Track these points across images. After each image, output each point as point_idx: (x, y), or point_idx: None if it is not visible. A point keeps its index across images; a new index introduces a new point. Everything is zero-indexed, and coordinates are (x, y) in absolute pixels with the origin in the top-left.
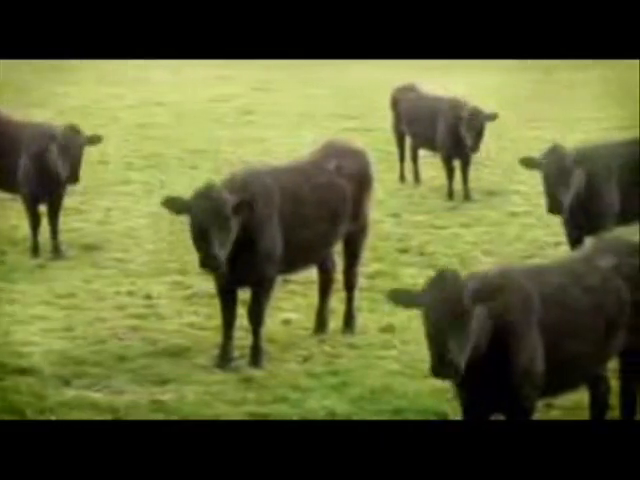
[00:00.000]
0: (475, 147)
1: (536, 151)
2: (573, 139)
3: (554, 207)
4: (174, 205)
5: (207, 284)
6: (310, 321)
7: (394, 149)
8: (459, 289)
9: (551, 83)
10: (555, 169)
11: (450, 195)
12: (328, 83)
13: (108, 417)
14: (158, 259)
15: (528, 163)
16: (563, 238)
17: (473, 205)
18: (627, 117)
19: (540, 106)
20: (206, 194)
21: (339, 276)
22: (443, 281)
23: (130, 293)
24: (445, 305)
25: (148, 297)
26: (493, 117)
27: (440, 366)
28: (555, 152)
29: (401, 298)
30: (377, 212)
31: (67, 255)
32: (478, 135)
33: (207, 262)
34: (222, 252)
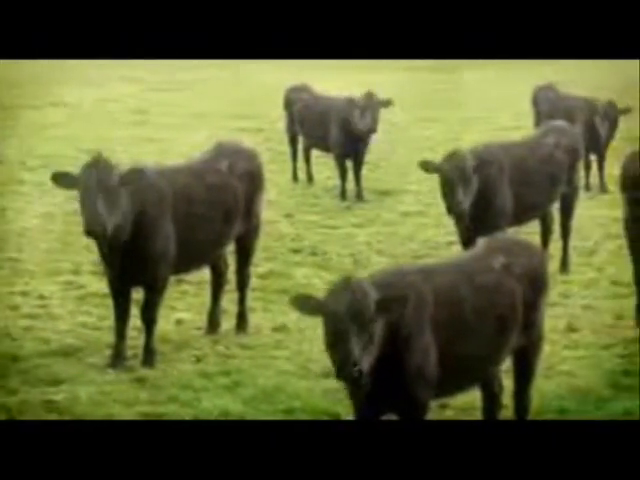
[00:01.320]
0: (372, 128)
1: (429, 151)
2: (466, 139)
3: (455, 209)
4: (63, 180)
5: (100, 284)
6: (203, 321)
7: (287, 149)
8: (364, 296)
9: (444, 83)
10: (455, 173)
11: (343, 195)
12: (222, 83)
13: (1, 417)
14: (51, 259)
15: (427, 167)
16: (456, 238)
17: (366, 205)
18: (520, 117)
19: (433, 106)
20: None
21: (232, 276)
22: (347, 287)
23: (24, 293)
24: (350, 311)
25: (41, 297)
26: (388, 103)
27: (345, 370)
28: (455, 156)
29: (304, 305)
30: (270, 212)
31: None
32: (374, 124)
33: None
34: (111, 218)
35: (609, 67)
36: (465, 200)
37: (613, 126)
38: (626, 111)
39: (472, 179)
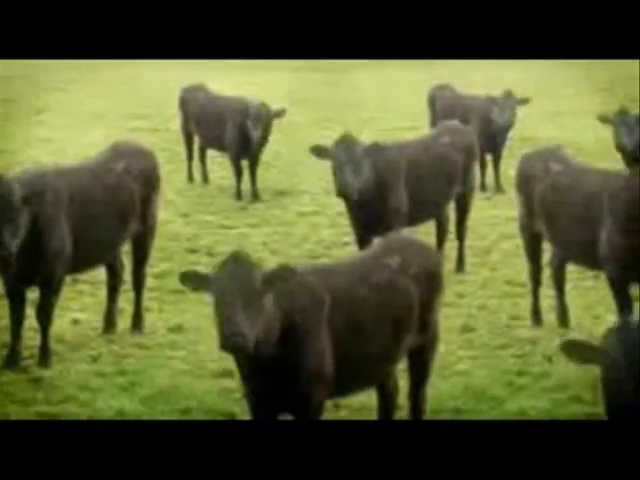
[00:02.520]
0: (262, 145)
1: None
2: (363, 139)
3: (344, 190)
4: None
5: None
6: (99, 321)
7: (183, 149)
8: (251, 269)
9: (340, 84)
10: (345, 156)
11: (238, 195)
12: (119, 83)
13: None
14: None
15: (318, 152)
16: (351, 238)
17: (261, 205)
18: (416, 117)
19: (329, 106)
20: None
21: (128, 276)
22: (236, 259)
23: None
24: (237, 281)
25: None
26: (280, 113)
27: (230, 337)
28: (345, 140)
29: (193, 280)
30: (166, 212)
31: None
32: (266, 131)
33: None
34: (13, 241)
35: (509, 66)
36: (354, 182)
37: (511, 115)
38: (525, 101)
39: (363, 164)
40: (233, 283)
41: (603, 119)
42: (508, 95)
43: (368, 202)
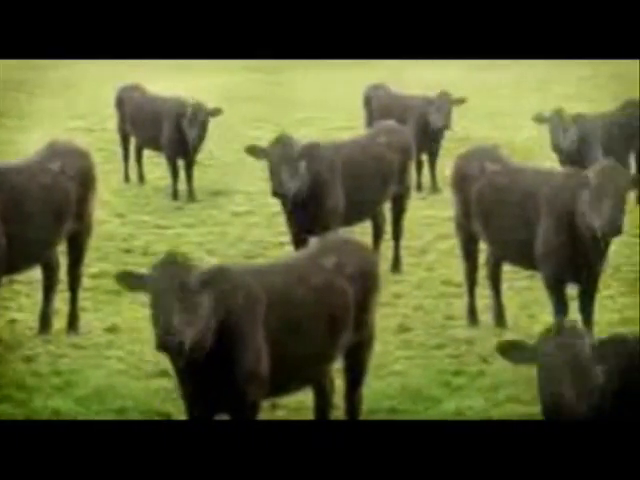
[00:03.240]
0: (199, 145)
1: None
2: (299, 139)
3: (280, 190)
4: None
5: None
6: (35, 321)
7: (119, 149)
8: (187, 269)
9: (276, 84)
10: (281, 156)
11: (174, 195)
12: (56, 83)
13: None
14: None
15: (254, 152)
16: (287, 238)
17: (197, 205)
18: (352, 117)
19: (265, 106)
20: None
21: (64, 276)
22: (172, 260)
23: None
24: (173, 281)
25: None
26: (216, 112)
27: (166, 338)
28: (281, 140)
29: (129, 280)
30: (102, 212)
31: None
32: (202, 131)
33: None
34: None
35: (445, 67)
36: (290, 182)
37: (447, 116)
38: (460, 101)
39: (299, 164)
40: (169, 283)
41: (539, 119)
42: (444, 96)
43: (304, 202)
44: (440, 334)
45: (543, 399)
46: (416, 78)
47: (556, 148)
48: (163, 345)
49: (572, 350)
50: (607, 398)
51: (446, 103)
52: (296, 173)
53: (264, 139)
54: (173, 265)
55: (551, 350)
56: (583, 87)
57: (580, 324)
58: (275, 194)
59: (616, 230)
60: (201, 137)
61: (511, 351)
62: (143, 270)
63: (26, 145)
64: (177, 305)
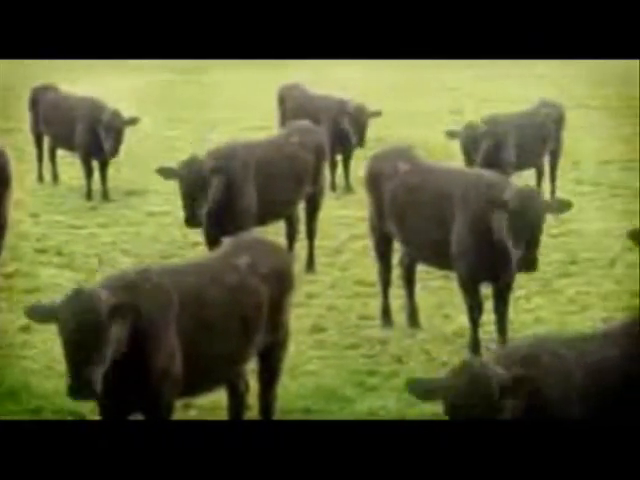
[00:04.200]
0: (115, 152)
1: (175, 151)
2: (213, 139)
3: (191, 219)
4: None
5: None
6: None
7: (33, 149)
8: (95, 306)
9: (191, 84)
10: (192, 180)
11: (89, 195)
12: None
13: None
14: None
15: (166, 173)
16: (201, 238)
17: (112, 205)
18: (266, 117)
19: (179, 106)
20: None
21: None
22: (79, 298)
23: None
24: (81, 323)
25: None
26: (134, 121)
27: (77, 387)
28: (192, 163)
29: (38, 311)
30: (16, 212)
31: None
32: (118, 138)
33: None
34: None
35: (362, 67)
36: (204, 206)
37: (362, 128)
38: (376, 114)
39: (211, 183)
40: (77, 323)
41: (451, 134)
42: (360, 109)
43: (218, 203)
44: (354, 334)
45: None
46: (332, 79)
47: (467, 163)
48: (74, 398)
49: (480, 391)
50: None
51: (362, 117)
52: (207, 196)
53: (179, 140)
54: (80, 301)
55: (458, 391)
56: (499, 86)
57: (488, 361)
58: (187, 223)
59: (531, 265)
60: (117, 147)
61: (420, 389)
62: (56, 271)
63: None
64: (86, 351)
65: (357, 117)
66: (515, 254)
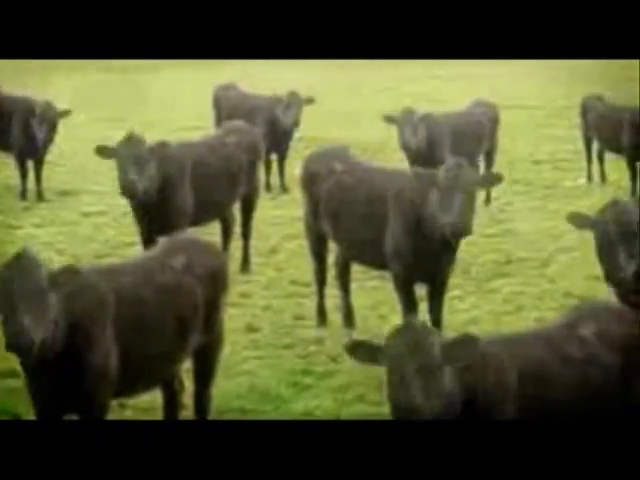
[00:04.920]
0: (48, 145)
1: None
2: (148, 139)
3: (129, 189)
4: None
5: None
6: None
7: None
8: (37, 267)
9: (126, 84)
10: (130, 155)
11: (23, 195)
12: None
13: None
14: None
15: (104, 152)
16: (137, 238)
17: (46, 205)
18: (201, 117)
19: (116, 106)
20: None
21: None
22: (22, 258)
23: None
24: (22, 279)
25: None
26: (65, 113)
27: (15, 338)
28: (131, 139)
29: None
30: None
31: None
32: (51, 131)
33: None
34: None
35: (294, 67)
36: (139, 181)
37: (297, 114)
38: (310, 101)
39: (148, 163)
40: (18, 281)
41: (389, 119)
42: (293, 95)
43: (153, 202)
44: (289, 334)
45: (392, 400)
46: (266, 79)
47: (405, 147)
48: (13, 345)
49: (420, 350)
50: (457, 399)
51: (295, 103)
52: (145, 172)
53: (115, 139)
54: (22, 263)
55: (399, 350)
56: (433, 86)
57: (428, 324)
58: (124, 193)
59: (466, 230)
60: (50, 137)
61: (359, 351)
62: None
63: None
64: (27, 305)
65: (290, 103)
66: (447, 224)
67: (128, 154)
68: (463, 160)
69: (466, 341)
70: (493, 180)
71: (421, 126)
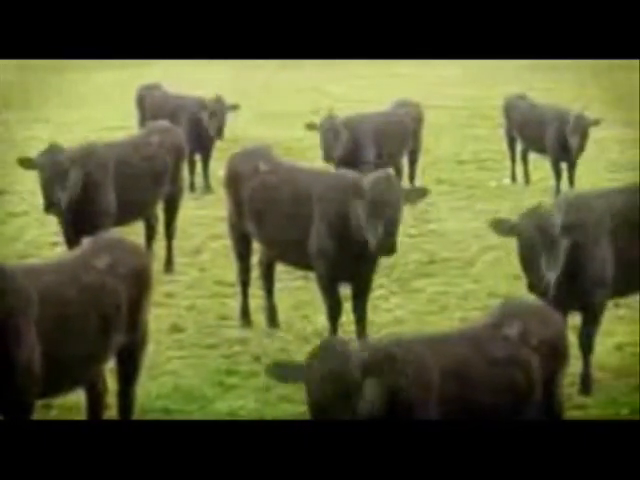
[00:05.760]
0: None
1: (33, 150)
2: (70, 139)
3: (51, 206)
4: None
5: None
6: None
7: None
8: None
9: (49, 83)
10: (51, 168)
11: None
12: None
13: None
14: None
15: (25, 163)
16: (61, 238)
17: None
18: (125, 117)
19: (40, 106)
20: None
21: None
22: None
23: None
24: None
25: None
26: None
27: None
28: (51, 151)
29: None
30: None
31: None
32: None
33: None
34: None
35: (218, 66)
36: (62, 195)
37: (221, 122)
38: (234, 107)
39: (70, 173)
40: None
41: (311, 127)
42: (218, 102)
43: (76, 203)
44: (213, 334)
45: (311, 409)
46: (189, 79)
47: (328, 156)
48: None
49: (338, 372)
50: (378, 409)
51: (219, 110)
52: (67, 183)
53: (37, 139)
54: None
55: (317, 374)
56: (355, 86)
57: (349, 341)
58: (46, 210)
59: (391, 249)
60: None
61: (280, 372)
62: None
63: None
64: None
65: (215, 110)
66: (373, 241)
67: (49, 165)
68: (389, 173)
69: (387, 357)
70: (419, 195)
71: (344, 131)
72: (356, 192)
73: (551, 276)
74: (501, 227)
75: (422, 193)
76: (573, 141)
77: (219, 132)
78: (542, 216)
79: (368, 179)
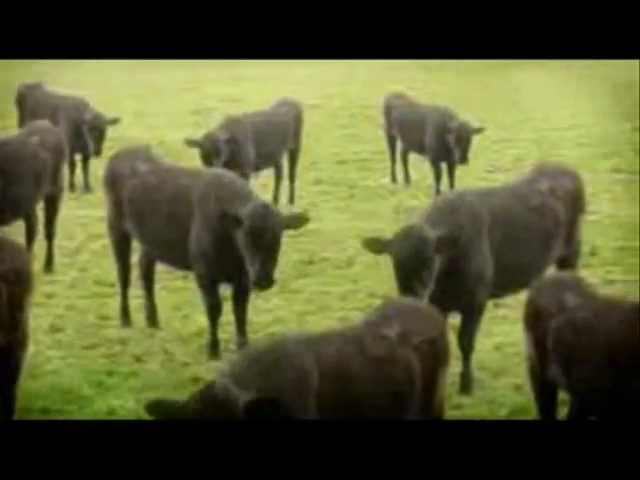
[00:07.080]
0: None
1: None
2: None
3: None
4: None
5: None
6: None
7: None
8: None
9: None
10: None
11: None
12: None
13: None
14: None
15: None
16: None
17: None
18: (4, 116)
19: None
20: None
21: None
22: None
23: None
24: None
25: None
26: None
27: None
28: None
29: None
30: None
31: None
32: None
33: None
34: None
35: (95, 65)
36: None
37: (102, 135)
38: (114, 122)
39: None
40: None
41: (190, 143)
42: (97, 118)
43: None
44: (93, 334)
45: None
46: (72, 79)
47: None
48: None
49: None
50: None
51: (98, 125)
52: None
53: None
54: None
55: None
56: (237, 87)
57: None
58: None
59: (267, 284)
60: None
61: (159, 409)
62: None
63: None
64: None
65: (97, 125)
66: (251, 270)
67: None
68: (266, 206)
69: (267, 402)
70: (298, 222)
71: (224, 148)
72: (234, 220)
73: (426, 292)
74: (375, 246)
75: (303, 219)
76: (457, 152)
77: (98, 149)
78: (416, 237)
79: (247, 208)
